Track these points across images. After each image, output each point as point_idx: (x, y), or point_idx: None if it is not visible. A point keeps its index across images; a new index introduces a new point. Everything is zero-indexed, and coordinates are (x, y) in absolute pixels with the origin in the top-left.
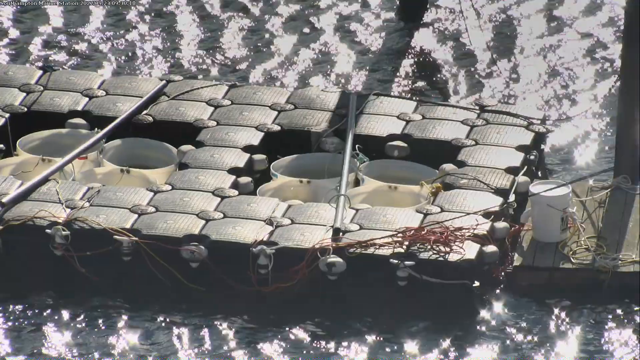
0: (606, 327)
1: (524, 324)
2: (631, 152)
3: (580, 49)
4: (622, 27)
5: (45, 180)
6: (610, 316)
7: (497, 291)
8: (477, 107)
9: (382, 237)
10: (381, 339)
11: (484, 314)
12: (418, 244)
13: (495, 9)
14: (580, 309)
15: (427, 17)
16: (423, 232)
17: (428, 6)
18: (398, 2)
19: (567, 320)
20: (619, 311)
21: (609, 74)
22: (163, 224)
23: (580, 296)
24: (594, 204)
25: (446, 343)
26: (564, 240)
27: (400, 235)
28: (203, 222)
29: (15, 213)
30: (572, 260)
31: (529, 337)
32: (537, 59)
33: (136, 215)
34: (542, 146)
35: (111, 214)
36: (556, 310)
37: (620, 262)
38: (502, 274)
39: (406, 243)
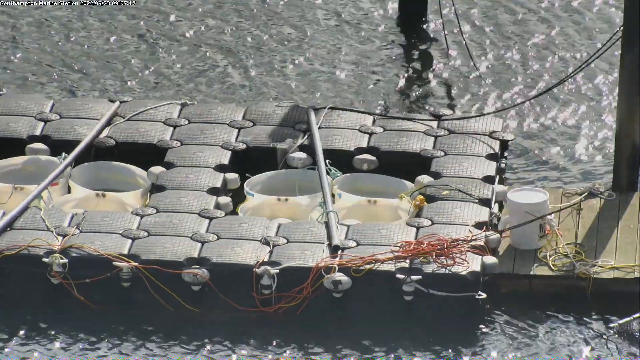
0: (588, 333)
1: (507, 332)
2: (631, 152)
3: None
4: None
5: (26, 208)
6: (592, 323)
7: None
8: (433, 118)
9: (384, 253)
10: (384, 352)
11: (487, 324)
12: (420, 258)
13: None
14: (563, 316)
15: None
16: (423, 246)
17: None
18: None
19: (549, 327)
20: (600, 318)
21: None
22: (161, 248)
23: (562, 303)
24: (569, 210)
25: (450, 354)
26: (542, 247)
27: (401, 249)
28: (199, 244)
29: (9, 242)
30: (552, 267)
31: (514, 345)
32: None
33: (130, 240)
34: (506, 153)
35: (105, 240)
36: (537, 318)
37: (600, 268)
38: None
39: (408, 257)
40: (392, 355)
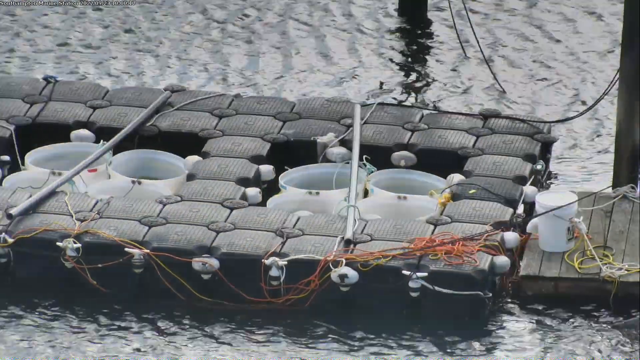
0: (612, 337)
1: (531, 334)
2: (631, 152)
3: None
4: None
5: (53, 192)
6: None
7: (504, 301)
8: (481, 117)
9: (393, 249)
10: (391, 349)
11: (493, 324)
12: (430, 256)
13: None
14: (587, 319)
15: (432, 25)
16: (434, 243)
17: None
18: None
19: (573, 330)
20: (625, 320)
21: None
22: (174, 235)
23: (587, 306)
24: (601, 213)
25: (455, 353)
26: (570, 250)
27: (411, 246)
28: (214, 233)
29: (26, 225)
30: (578, 270)
31: (537, 348)
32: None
33: (147, 228)
34: (548, 155)
35: (121, 226)
36: (562, 320)
37: (626, 271)
38: (509, 284)
39: (417, 254)
40: (398, 349)
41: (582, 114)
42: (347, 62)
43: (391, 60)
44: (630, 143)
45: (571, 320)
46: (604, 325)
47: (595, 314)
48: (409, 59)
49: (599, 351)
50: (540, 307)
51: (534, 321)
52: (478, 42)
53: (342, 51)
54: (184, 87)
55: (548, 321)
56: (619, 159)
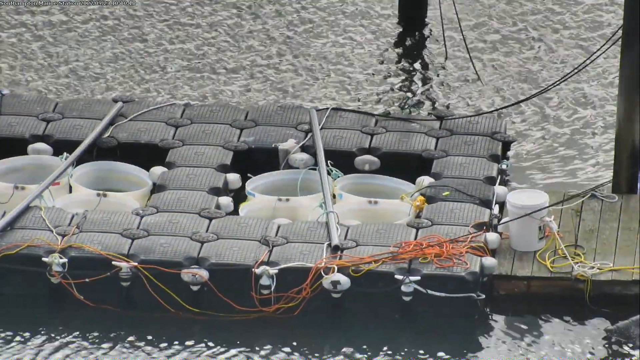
0: (586, 335)
1: (505, 334)
2: (631, 152)
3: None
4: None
5: (26, 207)
6: (590, 325)
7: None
8: (435, 118)
9: (383, 254)
10: (382, 352)
11: (485, 326)
12: (420, 259)
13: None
14: (560, 318)
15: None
16: (422, 246)
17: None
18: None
19: (547, 329)
20: (598, 320)
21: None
22: (160, 247)
23: (560, 305)
24: (570, 212)
25: (447, 355)
26: (542, 249)
27: (400, 250)
28: (199, 244)
29: (8, 241)
30: (550, 269)
31: (516, 346)
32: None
33: (130, 240)
34: (508, 154)
35: (105, 239)
36: (536, 320)
37: (598, 270)
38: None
39: (407, 258)
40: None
41: (528, 98)
42: (295, 68)
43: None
44: (630, 143)
45: (543, 319)
46: (578, 324)
47: (568, 313)
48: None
49: (573, 349)
50: (512, 307)
51: (506, 320)
52: (464, 41)
53: (288, 56)
54: (132, 97)
55: (520, 320)
56: (619, 159)
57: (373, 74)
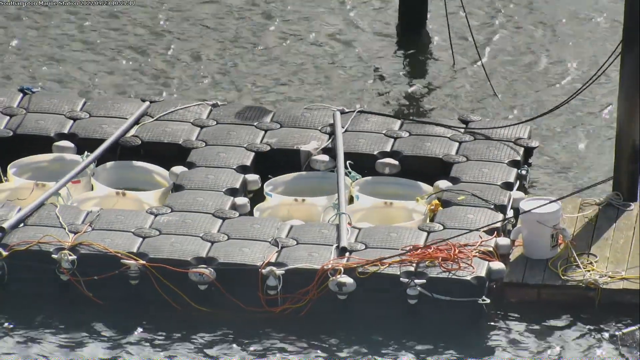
0: (595, 343)
1: (515, 342)
2: (631, 152)
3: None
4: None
5: (41, 204)
6: (600, 334)
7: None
8: (461, 123)
9: (391, 256)
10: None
11: (493, 334)
12: (427, 262)
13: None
14: (570, 327)
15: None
16: (430, 250)
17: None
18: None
19: (557, 337)
20: (608, 328)
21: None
22: (169, 246)
23: (571, 313)
24: (585, 220)
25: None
26: (554, 257)
27: (408, 253)
28: (208, 244)
29: (19, 238)
30: (561, 277)
31: (525, 353)
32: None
33: (140, 239)
34: (530, 161)
35: (116, 238)
36: (546, 328)
37: (610, 279)
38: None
39: (414, 261)
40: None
41: (558, 107)
42: (325, 71)
43: (373, 69)
44: (630, 143)
45: (553, 327)
46: (588, 332)
47: (578, 321)
48: (391, 68)
49: (582, 357)
50: (523, 314)
51: (516, 328)
52: (476, 46)
53: (320, 59)
54: (162, 97)
55: (530, 328)
56: (619, 159)
57: (397, 77)
